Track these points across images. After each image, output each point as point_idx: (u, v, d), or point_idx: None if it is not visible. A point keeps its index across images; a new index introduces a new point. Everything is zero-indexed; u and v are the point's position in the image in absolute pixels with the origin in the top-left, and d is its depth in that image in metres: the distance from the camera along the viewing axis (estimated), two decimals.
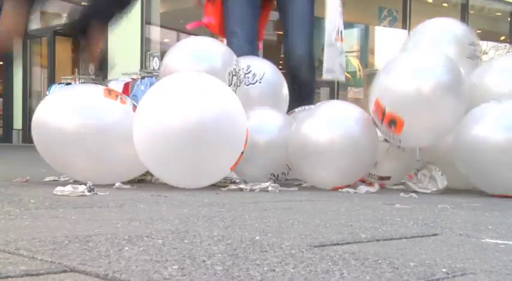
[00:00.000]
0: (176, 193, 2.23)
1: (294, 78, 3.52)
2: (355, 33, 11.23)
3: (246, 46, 3.46)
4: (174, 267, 0.90)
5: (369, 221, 1.54)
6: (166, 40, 12.48)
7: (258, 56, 3.48)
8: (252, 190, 2.38)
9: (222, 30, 3.69)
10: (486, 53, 15.41)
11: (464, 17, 13.93)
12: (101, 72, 2.58)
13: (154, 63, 9.88)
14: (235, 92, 2.56)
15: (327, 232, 1.33)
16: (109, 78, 11.21)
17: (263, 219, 1.53)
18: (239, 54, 3.21)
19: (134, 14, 11.07)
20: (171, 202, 1.92)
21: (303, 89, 3.54)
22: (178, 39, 12.96)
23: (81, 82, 11.37)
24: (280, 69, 3.30)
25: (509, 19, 15.01)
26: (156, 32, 11.95)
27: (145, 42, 11.39)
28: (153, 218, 1.49)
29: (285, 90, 3.21)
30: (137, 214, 1.60)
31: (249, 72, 3.00)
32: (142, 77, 9.57)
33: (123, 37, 11.75)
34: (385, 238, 1.26)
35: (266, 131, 2.76)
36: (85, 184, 2.14)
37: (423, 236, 1.31)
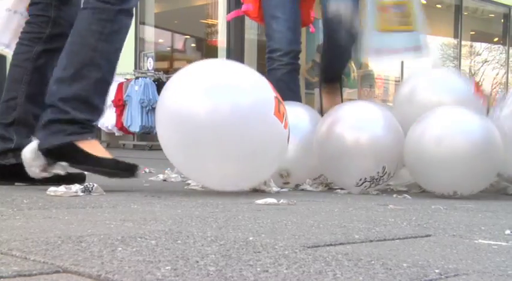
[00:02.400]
0: (170, 194, 2.23)
1: (330, 36, 3.17)
2: None
3: (288, 33, 3.16)
4: (167, 268, 0.90)
5: (362, 222, 1.54)
6: (160, 40, 12.47)
7: (300, 43, 3.22)
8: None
9: (262, 17, 3.33)
10: (479, 55, 15.48)
11: (458, 18, 13.98)
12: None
13: (148, 63, 9.89)
14: None
15: (321, 232, 1.33)
16: None
17: (257, 220, 1.53)
18: (280, 41, 3.11)
19: None
20: (165, 203, 1.92)
21: (338, 50, 3.20)
22: (172, 40, 12.95)
23: None
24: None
25: (502, 21, 15.07)
26: (150, 33, 11.94)
27: (139, 42, 11.37)
28: (147, 219, 1.49)
29: None
30: (130, 214, 1.59)
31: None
32: (136, 78, 9.57)
33: None
34: (378, 239, 1.26)
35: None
36: (80, 184, 2.13)
37: (416, 237, 1.31)
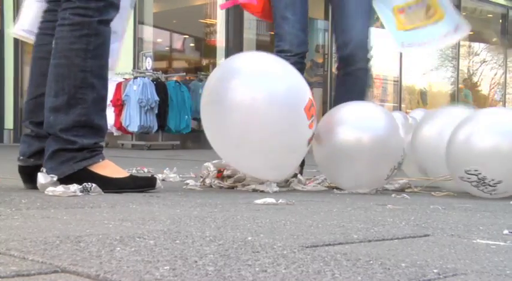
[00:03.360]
0: (168, 193, 2.23)
1: (349, 67, 3.08)
2: None
3: (299, 34, 3.08)
4: (165, 267, 0.90)
5: (360, 222, 1.54)
6: (159, 40, 12.47)
7: (308, 44, 3.16)
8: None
9: (267, 15, 3.22)
10: (478, 55, 15.49)
11: None
12: None
13: (147, 63, 9.88)
14: None
15: (319, 232, 1.33)
16: None
17: (255, 219, 1.53)
18: (291, 43, 3.02)
19: None
20: (163, 202, 1.92)
21: (359, 85, 3.10)
22: (171, 40, 12.94)
23: None
24: None
25: (500, 21, 15.09)
26: (149, 32, 11.94)
27: (138, 42, 11.37)
28: (145, 219, 1.49)
29: None
30: (129, 214, 1.59)
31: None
32: (135, 77, 9.57)
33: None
34: (376, 239, 1.26)
35: None
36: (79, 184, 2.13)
37: (415, 237, 1.31)
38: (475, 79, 15.72)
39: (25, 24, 2.69)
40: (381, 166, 2.53)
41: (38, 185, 2.15)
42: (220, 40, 10.96)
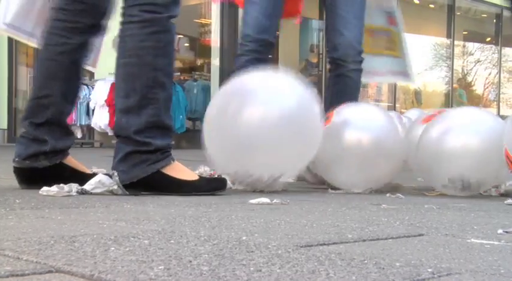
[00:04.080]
0: (163, 193, 2.23)
1: (340, 69, 3.05)
2: None
3: (262, 20, 2.89)
4: (160, 267, 0.90)
5: (355, 222, 1.54)
6: None
7: (273, 34, 3.02)
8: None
9: None
10: (472, 54, 15.54)
11: (450, 18, 14.03)
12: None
13: None
14: None
15: (314, 232, 1.34)
16: (96, 78, 11.17)
17: (250, 219, 1.53)
18: (253, 28, 2.91)
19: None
20: (158, 202, 1.92)
21: (351, 86, 3.09)
22: None
23: None
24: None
25: (495, 21, 15.13)
26: None
27: None
28: (140, 219, 1.49)
29: None
30: (123, 214, 1.59)
31: None
32: None
33: (110, 35, 11.68)
34: (371, 238, 1.27)
35: None
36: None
37: (409, 237, 1.32)
38: (469, 79, 15.77)
39: (7, 17, 2.53)
40: (380, 165, 2.55)
41: (97, 184, 2.09)
42: (214, 40, 10.94)
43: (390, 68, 3.39)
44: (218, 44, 10.67)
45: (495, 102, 15.38)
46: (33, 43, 2.45)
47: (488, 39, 15.51)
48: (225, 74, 10.72)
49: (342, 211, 1.82)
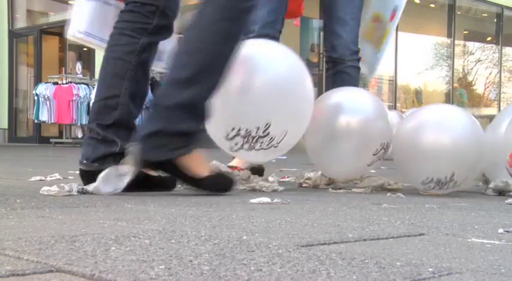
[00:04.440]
0: (164, 193, 2.23)
1: (338, 66, 3.09)
2: None
3: (264, 15, 2.80)
4: (160, 267, 0.90)
5: (356, 221, 1.54)
6: None
7: (277, 29, 3.00)
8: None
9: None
10: (473, 54, 15.54)
11: (451, 17, 14.03)
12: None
13: None
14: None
15: (314, 231, 1.34)
16: (96, 77, 11.16)
17: (250, 219, 1.53)
18: (258, 22, 2.86)
19: None
20: (159, 202, 1.92)
21: (349, 82, 3.07)
22: None
23: (68, 81, 11.33)
24: None
25: (495, 20, 15.13)
26: None
27: None
28: (140, 218, 1.49)
29: None
30: (124, 213, 1.59)
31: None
32: None
33: None
34: (372, 238, 1.27)
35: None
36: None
37: (410, 236, 1.32)
38: (469, 78, 15.77)
39: (81, 26, 2.56)
40: (364, 148, 2.59)
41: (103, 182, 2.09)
42: None
43: (367, 56, 3.42)
44: None
45: (496, 102, 15.38)
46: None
47: (489, 38, 15.51)
48: None
49: (343, 210, 1.82)
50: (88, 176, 2.21)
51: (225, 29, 2.10)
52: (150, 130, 2.07)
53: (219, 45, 2.09)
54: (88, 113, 10.69)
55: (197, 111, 2.10)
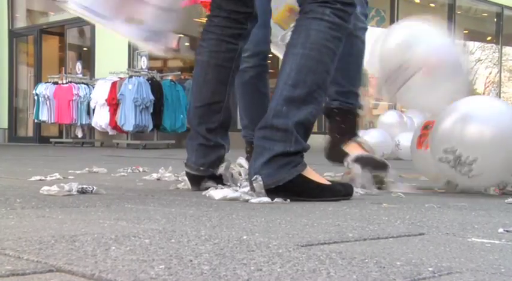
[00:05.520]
0: (164, 193, 2.23)
1: (350, 34, 3.10)
2: None
3: (256, 31, 2.61)
4: (161, 267, 0.90)
5: (355, 221, 1.54)
6: None
7: (268, 43, 2.99)
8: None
9: None
10: (473, 53, 15.54)
11: (451, 17, 14.02)
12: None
13: (142, 62, 9.88)
14: None
15: (314, 231, 1.34)
16: (96, 77, 11.16)
17: (250, 218, 1.53)
18: (251, 41, 2.69)
19: None
20: (159, 202, 1.92)
21: (358, 47, 3.03)
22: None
23: (68, 81, 11.32)
24: None
25: (495, 19, 15.13)
26: None
27: None
28: (140, 218, 1.49)
29: None
30: (124, 213, 1.59)
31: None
32: (130, 76, 9.55)
33: (110, 35, 11.69)
34: (372, 237, 1.27)
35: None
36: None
37: (409, 236, 1.32)
38: (470, 78, 15.77)
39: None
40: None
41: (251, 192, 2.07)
42: None
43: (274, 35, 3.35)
44: None
45: None
46: (107, 28, 2.35)
47: (489, 38, 15.51)
48: None
49: (343, 210, 1.82)
50: (198, 181, 2.32)
51: (333, 49, 2.12)
52: (270, 156, 2.03)
53: (329, 63, 2.11)
54: (88, 113, 10.70)
55: (310, 128, 2.12)
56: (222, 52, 2.32)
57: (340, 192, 2.12)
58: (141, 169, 3.67)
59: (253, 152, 2.10)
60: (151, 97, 9.36)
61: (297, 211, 1.76)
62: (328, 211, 1.78)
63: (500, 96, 15.17)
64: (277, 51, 3.12)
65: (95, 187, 2.12)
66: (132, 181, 2.83)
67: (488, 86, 15.80)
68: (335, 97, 2.83)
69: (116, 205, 1.79)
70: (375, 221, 1.55)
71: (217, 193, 2.06)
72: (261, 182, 2.00)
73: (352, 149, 2.73)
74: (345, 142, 2.76)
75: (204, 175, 2.31)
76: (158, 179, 2.92)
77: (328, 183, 2.13)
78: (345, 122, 2.82)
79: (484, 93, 15.85)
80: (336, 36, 2.10)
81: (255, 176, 2.01)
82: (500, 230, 1.42)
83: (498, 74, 15.29)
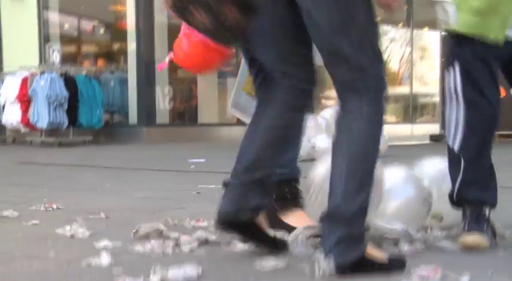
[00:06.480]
0: None
1: None
2: None
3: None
4: None
5: None
6: (66, 26, 12.03)
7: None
8: None
9: (200, 64, 2.51)
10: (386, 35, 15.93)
11: None
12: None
13: (55, 57, 9.54)
14: None
15: None
16: (5, 71, 10.71)
17: None
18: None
19: None
20: None
21: None
22: (79, 25, 12.49)
23: None
24: None
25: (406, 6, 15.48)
26: (55, 18, 11.51)
27: (43, 28, 10.96)
28: None
29: None
30: None
31: None
32: (42, 72, 9.23)
33: (18, 24, 11.15)
34: None
35: None
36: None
37: None
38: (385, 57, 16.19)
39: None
40: None
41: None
42: (130, 24, 10.75)
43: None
44: (134, 29, 10.52)
45: (409, 80, 15.89)
46: None
47: (401, 24, 15.91)
48: (142, 62, 10.52)
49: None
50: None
51: (374, 135, 2.20)
52: (336, 238, 2.09)
53: (372, 152, 2.20)
54: None
55: (368, 210, 2.18)
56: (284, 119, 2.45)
57: (400, 267, 2.16)
58: (54, 206, 3.57)
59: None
60: (66, 93, 9.10)
61: None
62: None
63: (412, 76, 15.70)
64: (244, 118, 3.18)
65: None
66: (43, 240, 2.68)
67: (401, 66, 16.27)
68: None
69: None
70: None
71: None
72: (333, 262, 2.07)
73: (298, 221, 2.60)
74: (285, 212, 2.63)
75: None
76: (71, 237, 2.78)
77: (386, 258, 2.18)
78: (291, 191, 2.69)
79: (398, 72, 16.34)
80: (375, 121, 2.19)
81: (328, 254, 2.08)
82: None
83: (411, 54, 15.75)
